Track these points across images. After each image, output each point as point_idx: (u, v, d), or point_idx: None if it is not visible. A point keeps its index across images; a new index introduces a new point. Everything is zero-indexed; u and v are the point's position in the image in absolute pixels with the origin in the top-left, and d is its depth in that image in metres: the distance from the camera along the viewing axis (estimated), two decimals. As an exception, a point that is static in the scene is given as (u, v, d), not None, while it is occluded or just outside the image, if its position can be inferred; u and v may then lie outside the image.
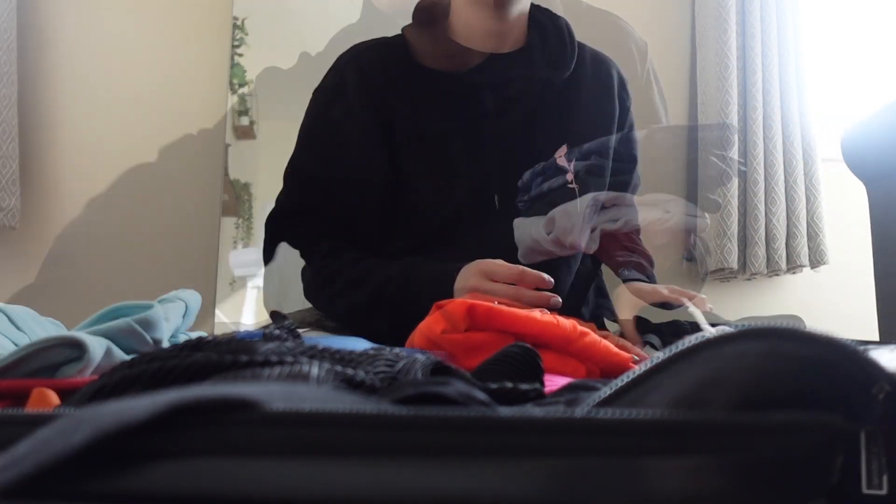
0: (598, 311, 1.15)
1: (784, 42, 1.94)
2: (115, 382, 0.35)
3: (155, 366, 0.35)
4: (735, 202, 1.89)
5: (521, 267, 0.86)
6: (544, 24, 1.15)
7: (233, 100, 1.88)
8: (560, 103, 1.12)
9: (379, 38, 1.16)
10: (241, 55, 1.89)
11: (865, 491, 0.25)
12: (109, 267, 1.84)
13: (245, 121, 1.88)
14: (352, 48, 1.15)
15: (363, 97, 1.09)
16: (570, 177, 1.07)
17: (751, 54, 1.92)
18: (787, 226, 1.91)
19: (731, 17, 1.92)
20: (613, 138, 1.13)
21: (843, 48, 2.12)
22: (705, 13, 1.95)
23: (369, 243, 1.10)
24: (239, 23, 1.90)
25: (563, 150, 1.09)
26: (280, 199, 1.13)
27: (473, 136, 1.08)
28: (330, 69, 1.15)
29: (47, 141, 1.87)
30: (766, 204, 1.90)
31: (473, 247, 0.97)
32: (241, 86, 1.88)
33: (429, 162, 1.08)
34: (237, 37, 1.90)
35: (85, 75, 1.88)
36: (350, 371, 0.36)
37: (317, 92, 1.14)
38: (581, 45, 1.17)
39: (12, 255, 1.83)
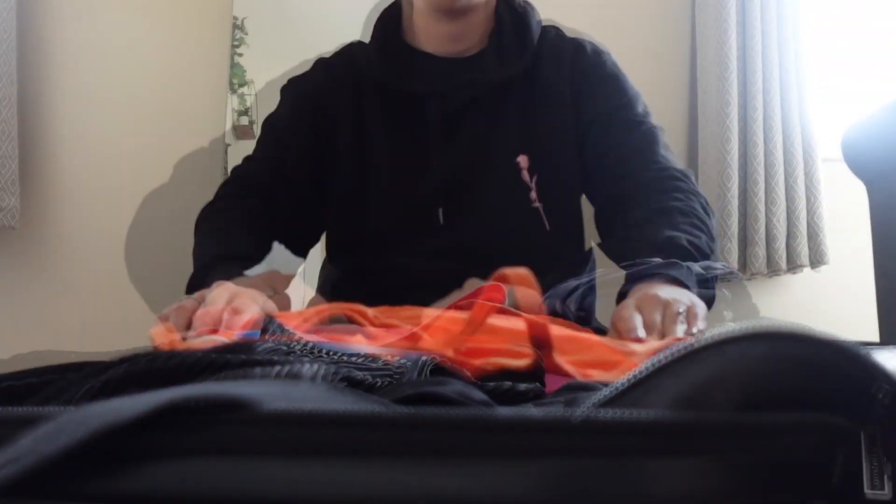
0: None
1: (784, 42, 1.94)
2: (116, 381, 0.35)
3: (155, 364, 0.35)
4: (735, 202, 1.89)
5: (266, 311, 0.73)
6: (506, 21, 1.08)
7: (233, 100, 1.87)
8: (516, 107, 1.05)
9: (344, 48, 1.16)
10: (241, 55, 1.89)
11: (867, 492, 0.25)
12: (110, 267, 1.84)
13: (245, 121, 1.88)
14: (333, 54, 1.17)
15: (314, 105, 1.10)
16: (532, 195, 1.03)
17: (751, 54, 1.91)
18: (787, 226, 1.91)
19: (731, 17, 1.92)
20: (572, 138, 1.04)
21: (843, 48, 2.11)
22: (705, 13, 1.95)
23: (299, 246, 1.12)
24: (239, 23, 1.90)
25: (524, 161, 1.03)
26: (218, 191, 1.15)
27: (417, 149, 1.05)
28: (307, 71, 1.17)
29: (47, 141, 1.87)
30: (766, 204, 1.90)
31: (413, 261, 0.96)
32: (241, 86, 1.88)
33: (370, 174, 1.07)
34: (237, 37, 1.90)
35: (85, 75, 1.88)
36: (348, 370, 0.36)
37: (282, 90, 1.17)
38: (546, 33, 1.10)
39: (12, 255, 1.83)
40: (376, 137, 1.07)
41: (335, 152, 1.09)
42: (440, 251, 0.99)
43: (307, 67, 1.19)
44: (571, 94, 1.06)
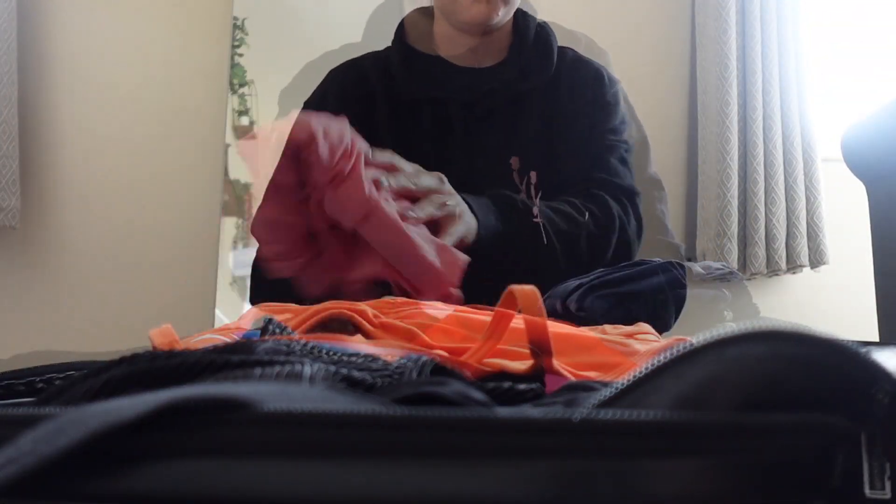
0: None
1: (784, 42, 1.94)
2: (116, 381, 0.35)
3: (156, 364, 0.35)
4: (735, 202, 1.89)
5: None
6: (526, 35, 1.12)
7: (233, 100, 1.87)
8: (533, 119, 1.09)
9: (369, 53, 1.18)
10: (241, 55, 1.89)
11: (867, 493, 0.25)
12: (109, 267, 1.84)
13: (245, 121, 1.88)
14: (342, 63, 1.18)
15: (341, 111, 1.12)
16: (535, 212, 1.04)
17: (751, 54, 1.91)
18: (787, 226, 1.91)
19: (731, 17, 1.92)
20: (571, 150, 1.08)
21: (843, 48, 2.11)
22: (705, 13, 1.95)
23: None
24: (239, 23, 1.90)
25: (515, 162, 1.05)
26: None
27: (439, 153, 1.07)
28: (319, 83, 1.18)
29: (47, 141, 1.87)
30: (766, 204, 1.90)
31: None
32: (241, 86, 1.88)
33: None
34: (237, 37, 1.90)
35: (85, 75, 1.88)
36: (347, 370, 0.36)
37: (304, 104, 1.18)
38: (563, 51, 1.14)
39: (12, 255, 1.83)
40: (400, 143, 1.09)
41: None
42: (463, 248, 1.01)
43: (305, 69, 1.19)
44: (587, 117, 1.11)
